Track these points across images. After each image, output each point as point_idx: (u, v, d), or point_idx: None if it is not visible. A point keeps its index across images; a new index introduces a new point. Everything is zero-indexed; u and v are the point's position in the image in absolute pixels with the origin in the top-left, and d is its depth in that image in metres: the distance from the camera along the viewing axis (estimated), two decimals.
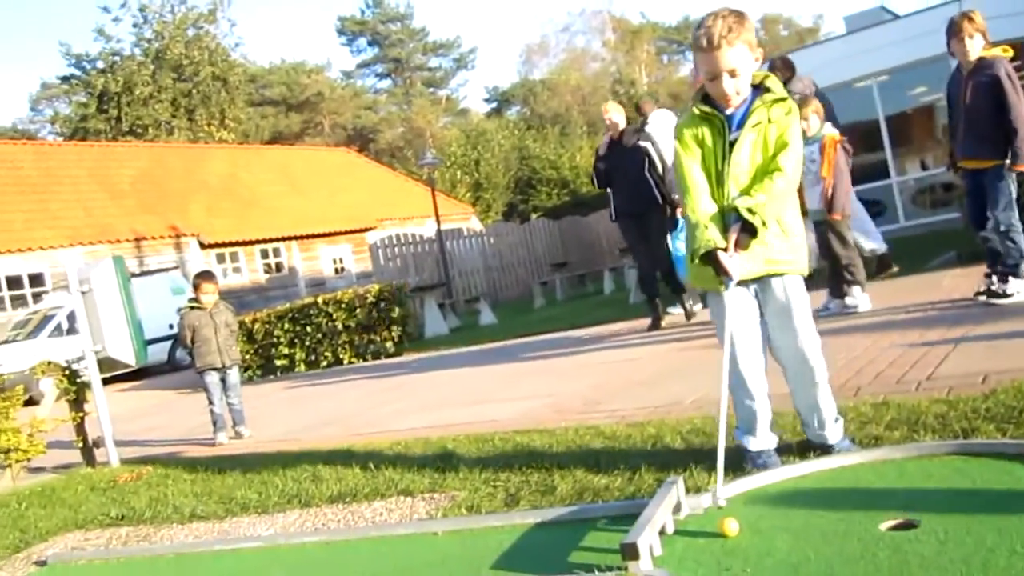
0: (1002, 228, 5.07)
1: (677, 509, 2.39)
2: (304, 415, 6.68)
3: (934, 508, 2.14)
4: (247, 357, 11.70)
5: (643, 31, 58.95)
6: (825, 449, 2.75)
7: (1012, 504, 2.08)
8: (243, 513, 3.71)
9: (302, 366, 11.40)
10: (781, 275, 2.69)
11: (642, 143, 7.30)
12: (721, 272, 2.58)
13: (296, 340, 11.53)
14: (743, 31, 2.54)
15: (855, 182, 6.18)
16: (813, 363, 2.69)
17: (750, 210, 2.54)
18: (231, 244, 25.62)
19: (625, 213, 7.41)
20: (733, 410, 2.83)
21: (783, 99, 2.64)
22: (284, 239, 27.10)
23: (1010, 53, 5.09)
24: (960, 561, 1.82)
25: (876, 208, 15.24)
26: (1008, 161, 4.96)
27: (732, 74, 2.57)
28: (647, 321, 7.49)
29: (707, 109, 2.67)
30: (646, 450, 3.24)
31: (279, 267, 27.21)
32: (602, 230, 20.83)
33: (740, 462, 2.78)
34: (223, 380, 6.11)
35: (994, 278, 5.19)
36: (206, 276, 6.35)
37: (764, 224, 2.55)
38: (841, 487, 2.44)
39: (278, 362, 11.58)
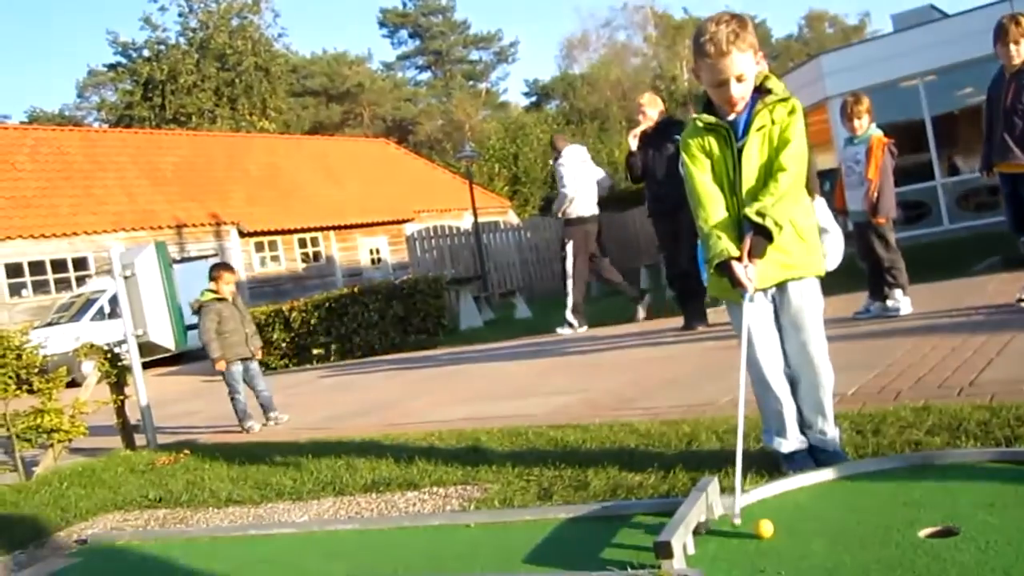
0: None
1: (711, 509, 2.38)
2: (339, 404, 6.73)
3: (975, 516, 2.10)
4: (283, 345, 11.82)
5: (685, 26, 58.44)
6: (825, 454, 2.73)
7: None
8: (278, 499, 3.75)
9: (338, 356, 11.49)
10: (798, 279, 2.66)
11: (677, 136, 7.21)
12: (736, 284, 2.55)
13: (332, 330, 11.62)
14: (747, 35, 2.52)
15: (897, 184, 6.08)
16: (821, 366, 2.67)
17: (759, 213, 2.51)
18: (270, 233, 25.88)
19: (657, 211, 7.35)
20: (760, 414, 2.82)
21: (786, 99, 2.61)
22: (322, 229, 27.32)
23: None
24: (1000, 570, 1.79)
25: (919, 211, 15.02)
26: None
27: (739, 79, 2.55)
28: (681, 319, 7.43)
29: (711, 120, 2.65)
30: (680, 449, 3.23)
31: (317, 257, 27.44)
32: (639, 226, 20.67)
33: (774, 465, 2.76)
34: (245, 370, 6.19)
35: None
36: (228, 267, 6.33)
37: (778, 226, 2.51)
38: (879, 492, 2.41)
39: (314, 351, 11.68)
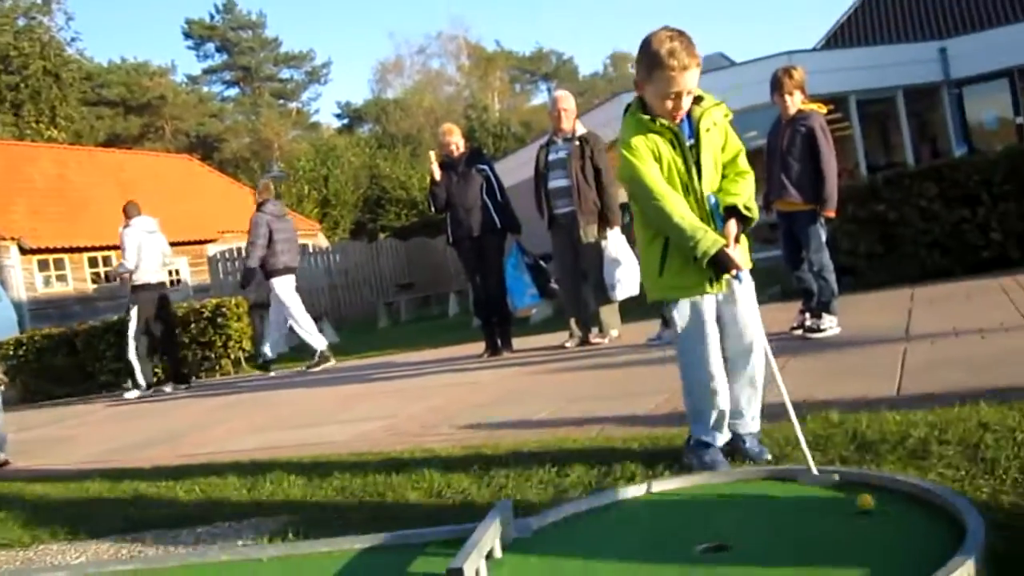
0: (815, 268, 5.45)
1: (506, 533, 2.41)
2: (128, 434, 6.33)
3: (745, 530, 2.26)
4: (66, 373, 11.00)
5: (497, 59, 59.93)
6: (744, 441, 2.93)
7: (805, 523, 2.25)
8: (52, 540, 3.46)
9: (129, 382, 10.80)
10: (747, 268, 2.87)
11: (481, 166, 7.40)
12: (733, 267, 2.70)
13: (123, 355, 10.92)
14: (696, 50, 2.70)
15: None
16: (763, 354, 2.86)
17: (746, 207, 2.75)
18: (56, 250, 24.03)
19: (462, 237, 7.43)
20: (697, 411, 2.91)
21: (720, 103, 2.86)
22: (116, 248, 25.59)
23: (824, 110, 5.54)
24: None
25: None
26: (819, 207, 5.35)
27: (689, 92, 2.73)
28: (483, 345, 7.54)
29: (665, 122, 2.75)
30: (480, 474, 3.26)
31: (109, 277, 25.75)
32: (449, 253, 20.83)
33: (678, 458, 2.94)
34: None
35: (807, 315, 5.57)
36: None
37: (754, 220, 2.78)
38: (661, 511, 2.53)
39: (102, 378, 10.93)
